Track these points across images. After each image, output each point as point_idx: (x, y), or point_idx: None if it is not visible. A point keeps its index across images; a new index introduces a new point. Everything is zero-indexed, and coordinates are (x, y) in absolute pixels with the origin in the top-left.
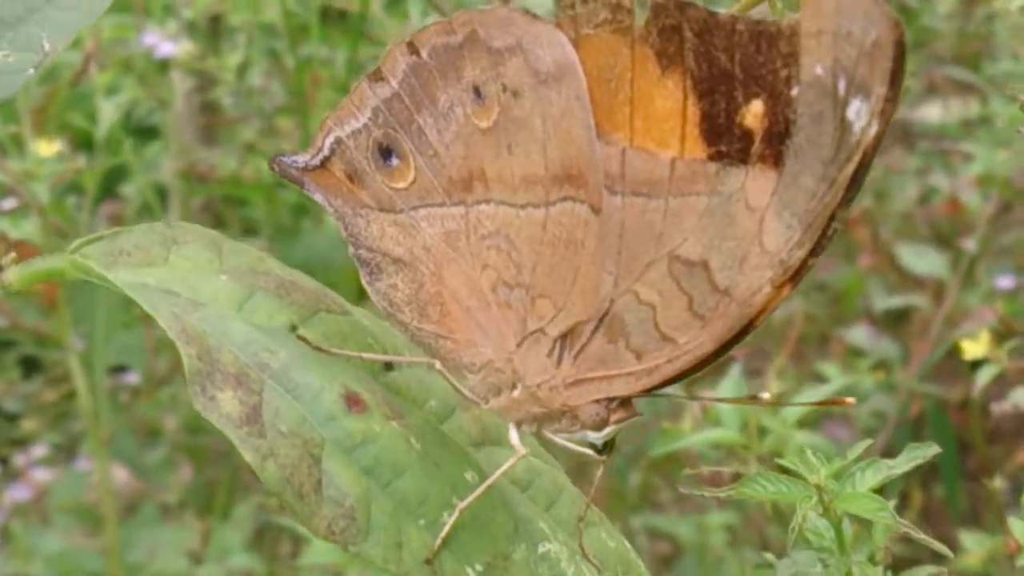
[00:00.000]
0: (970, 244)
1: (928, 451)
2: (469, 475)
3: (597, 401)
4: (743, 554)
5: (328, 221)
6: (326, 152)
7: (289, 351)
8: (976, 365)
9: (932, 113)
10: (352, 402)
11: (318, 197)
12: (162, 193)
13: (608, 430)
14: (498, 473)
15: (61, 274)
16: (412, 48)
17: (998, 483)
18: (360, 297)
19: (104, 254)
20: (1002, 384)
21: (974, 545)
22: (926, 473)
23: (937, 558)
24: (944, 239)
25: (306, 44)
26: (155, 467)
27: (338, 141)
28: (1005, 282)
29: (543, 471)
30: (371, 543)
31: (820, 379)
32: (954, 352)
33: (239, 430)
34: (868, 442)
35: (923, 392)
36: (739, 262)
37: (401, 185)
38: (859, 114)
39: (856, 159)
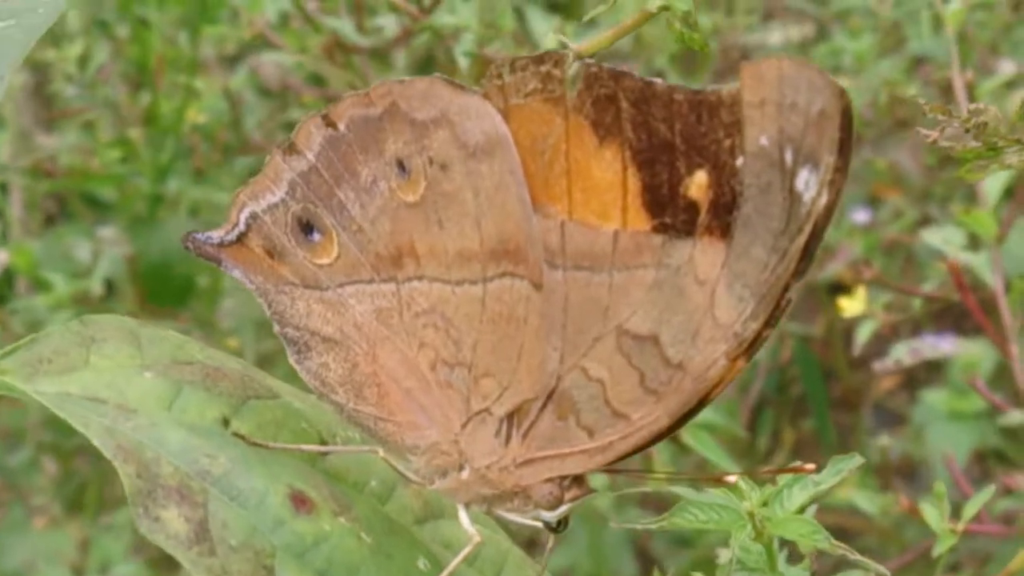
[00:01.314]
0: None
1: (852, 463)
2: (421, 563)
3: (550, 480)
4: None
5: (183, 211)
6: (242, 227)
7: (228, 453)
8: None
9: (773, 37)
10: (299, 502)
11: (236, 274)
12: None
13: (563, 508)
14: (455, 562)
15: None
16: (328, 120)
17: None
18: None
19: (23, 365)
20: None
21: (867, 504)
22: (796, 407)
23: None
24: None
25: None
26: (20, 469)
27: (253, 216)
28: (861, 216)
29: (487, 539)
30: None
31: None
32: (813, 288)
33: (189, 552)
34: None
35: (789, 331)
36: (691, 336)
37: (325, 261)
38: (808, 185)
39: (808, 230)
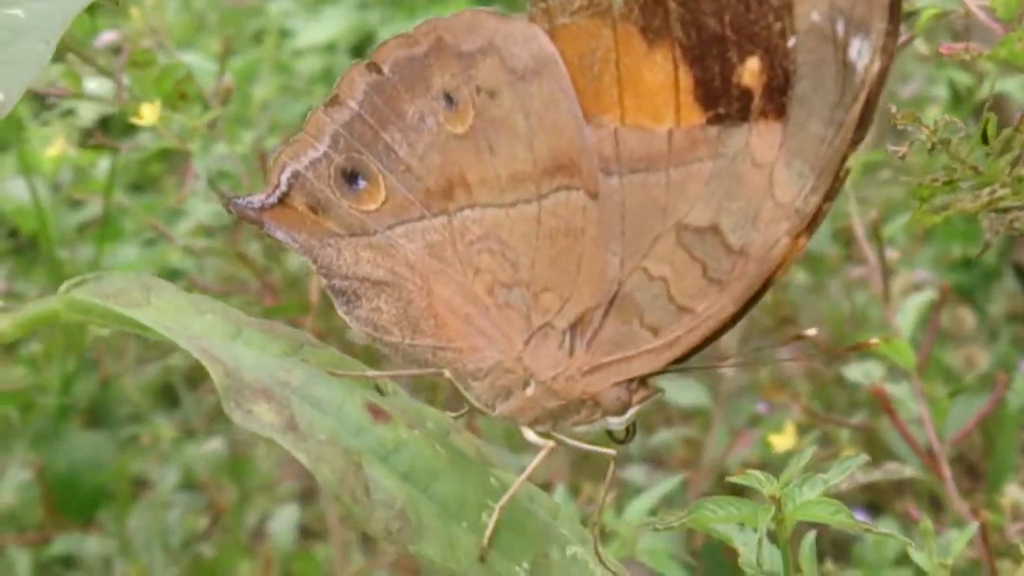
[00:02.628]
0: (728, 371)
1: (854, 464)
2: (493, 479)
3: (617, 384)
4: None
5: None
6: (284, 188)
7: (300, 371)
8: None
9: None
10: (375, 413)
11: (280, 235)
12: None
13: (631, 412)
14: (529, 469)
15: (57, 317)
16: (372, 66)
17: None
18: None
19: (99, 295)
20: None
21: None
22: None
23: None
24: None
25: None
26: None
27: (295, 175)
28: (762, 407)
29: (540, 492)
30: (426, 543)
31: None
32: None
33: (285, 436)
34: (812, 448)
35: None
36: (752, 220)
37: (372, 207)
38: (861, 53)
39: (863, 97)
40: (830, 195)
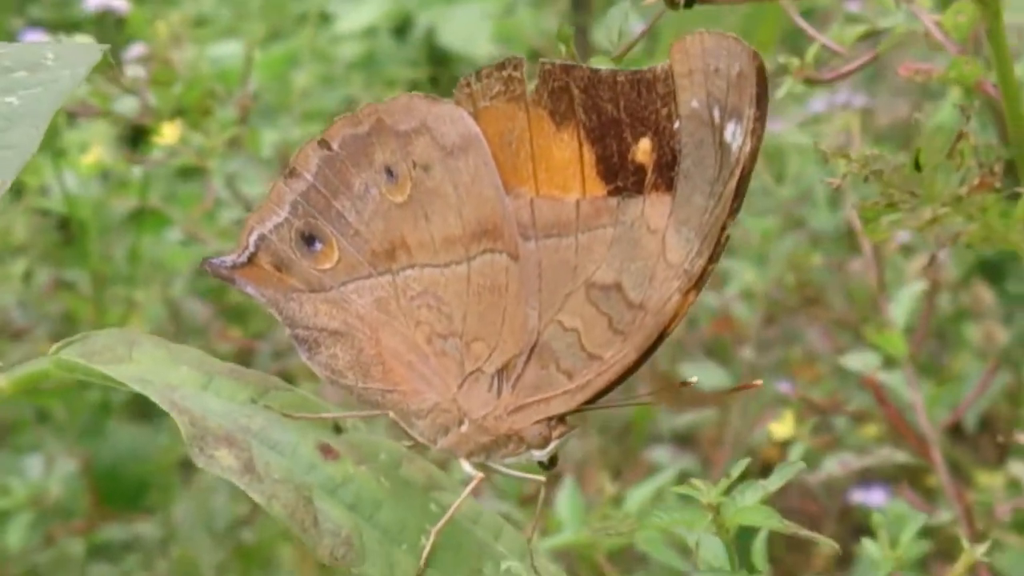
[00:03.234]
0: (747, 352)
1: (792, 470)
2: (433, 506)
3: (539, 422)
4: None
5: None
6: (251, 249)
7: (261, 417)
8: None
9: None
10: (326, 451)
11: (249, 290)
12: None
13: (551, 446)
14: (464, 494)
15: (47, 376)
16: (323, 143)
17: None
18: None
19: (82, 355)
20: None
21: None
22: None
23: None
24: (718, 354)
25: None
26: None
27: (261, 237)
28: (785, 387)
29: (484, 512)
30: (368, 565)
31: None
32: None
33: (242, 478)
34: (746, 460)
35: None
36: (648, 278)
37: (327, 266)
38: (735, 135)
39: (737, 173)
40: (713, 258)
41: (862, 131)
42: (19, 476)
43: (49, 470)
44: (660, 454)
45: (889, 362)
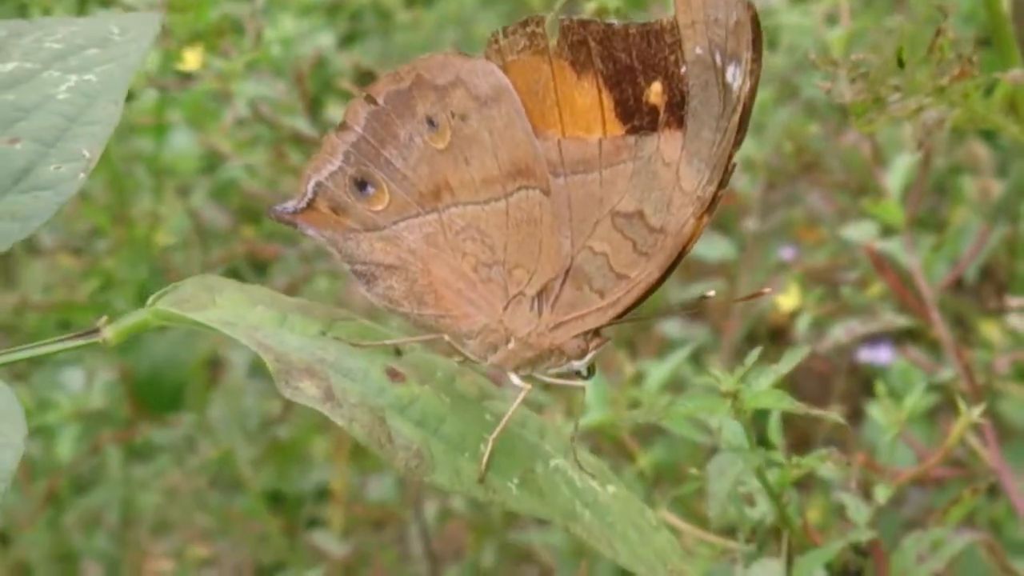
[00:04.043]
0: (751, 224)
1: (801, 354)
2: (488, 416)
3: (576, 336)
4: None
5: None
6: (310, 195)
7: (333, 348)
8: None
9: None
10: (393, 375)
11: (311, 232)
12: None
13: (589, 356)
14: (515, 405)
15: (146, 325)
16: (369, 99)
17: None
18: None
19: (174, 304)
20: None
21: None
22: None
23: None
24: (723, 226)
25: None
26: None
27: (319, 184)
28: (788, 253)
29: (531, 415)
30: (438, 474)
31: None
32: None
33: (325, 405)
34: (759, 349)
35: None
36: (667, 206)
37: (380, 207)
38: (735, 76)
39: (739, 109)
40: (723, 184)
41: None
42: (61, 390)
43: (90, 383)
44: (671, 327)
45: (888, 231)
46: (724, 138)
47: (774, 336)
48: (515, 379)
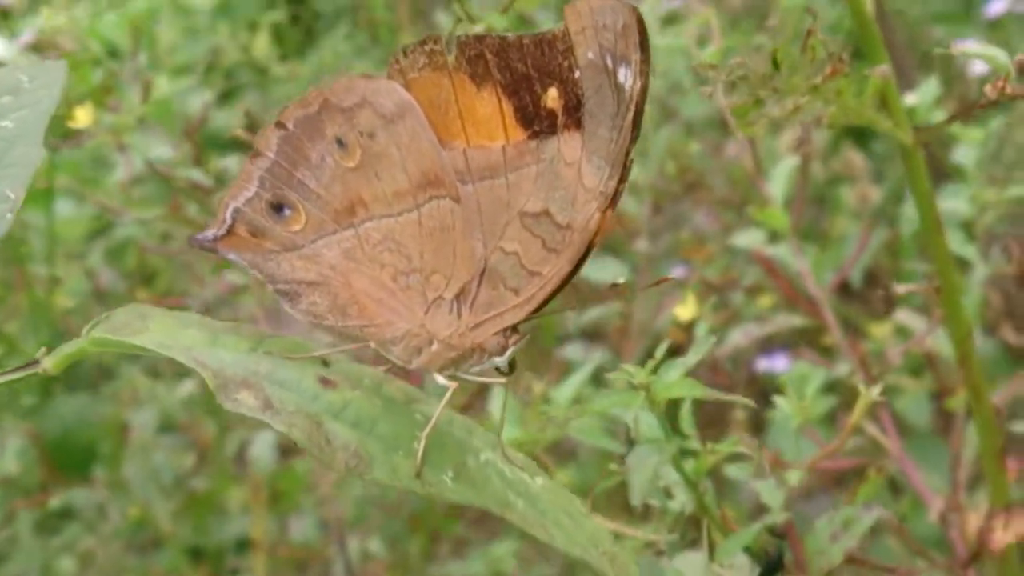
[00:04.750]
0: (642, 245)
1: (706, 346)
2: (417, 416)
3: (496, 333)
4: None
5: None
6: (229, 222)
7: (265, 362)
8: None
9: None
10: (325, 383)
11: (232, 256)
12: None
13: (509, 352)
14: (443, 403)
15: (85, 352)
16: (280, 125)
17: None
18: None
19: (109, 331)
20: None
21: None
22: None
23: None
24: (614, 249)
25: None
26: None
27: (236, 211)
28: (679, 272)
29: (457, 415)
30: (377, 471)
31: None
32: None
33: (264, 413)
34: (667, 342)
35: None
36: (571, 203)
37: (297, 228)
38: (626, 77)
39: (632, 108)
40: (623, 179)
41: (718, 12)
42: None
43: (0, 449)
44: (572, 350)
45: (774, 237)
46: (621, 135)
47: (674, 355)
48: (440, 379)
